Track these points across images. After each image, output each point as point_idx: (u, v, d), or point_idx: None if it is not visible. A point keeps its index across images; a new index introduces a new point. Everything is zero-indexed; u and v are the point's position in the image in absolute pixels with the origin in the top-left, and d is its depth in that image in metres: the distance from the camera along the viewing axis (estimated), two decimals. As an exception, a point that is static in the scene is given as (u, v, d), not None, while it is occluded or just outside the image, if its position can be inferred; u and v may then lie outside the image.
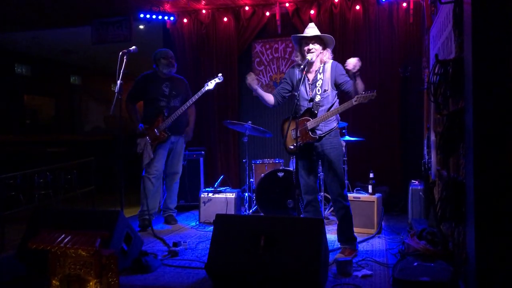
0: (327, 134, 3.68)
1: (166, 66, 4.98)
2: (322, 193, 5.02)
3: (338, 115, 3.76)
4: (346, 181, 5.26)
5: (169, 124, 4.91)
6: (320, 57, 3.73)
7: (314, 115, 3.67)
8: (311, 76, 3.76)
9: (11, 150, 7.93)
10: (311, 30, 3.71)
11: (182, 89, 5.11)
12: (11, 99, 9.08)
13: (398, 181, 5.87)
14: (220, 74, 5.06)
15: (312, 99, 3.68)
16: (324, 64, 3.73)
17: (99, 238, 2.65)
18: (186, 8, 6.61)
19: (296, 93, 3.66)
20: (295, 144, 3.61)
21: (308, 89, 3.73)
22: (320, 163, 3.86)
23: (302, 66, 3.64)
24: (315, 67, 3.75)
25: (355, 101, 3.47)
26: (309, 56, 3.63)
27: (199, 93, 4.94)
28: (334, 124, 3.73)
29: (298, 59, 3.78)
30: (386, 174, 5.81)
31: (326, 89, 3.67)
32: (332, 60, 3.77)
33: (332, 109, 3.67)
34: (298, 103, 3.70)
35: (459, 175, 2.83)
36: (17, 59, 9.32)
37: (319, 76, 3.70)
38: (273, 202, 5.00)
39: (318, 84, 3.68)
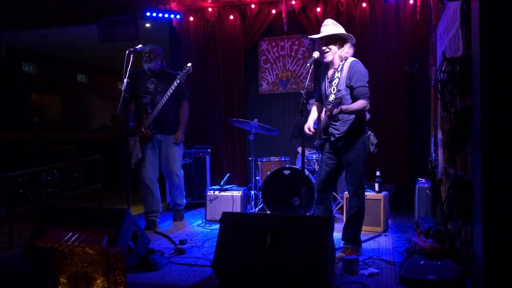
0: (344, 134, 3.59)
1: (144, 63, 4.87)
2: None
3: (367, 112, 3.65)
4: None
5: (151, 121, 4.78)
6: (339, 54, 3.60)
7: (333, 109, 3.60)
8: (330, 73, 3.69)
9: (18, 148, 7.99)
10: (326, 28, 3.59)
11: (170, 85, 4.84)
12: (18, 97, 9.13)
13: (405, 179, 5.84)
14: (189, 64, 4.82)
15: (327, 97, 3.65)
16: (344, 62, 3.61)
17: (106, 236, 2.66)
18: (192, 6, 6.61)
19: (302, 91, 3.61)
20: (317, 141, 3.71)
21: (327, 86, 3.68)
22: (337, 162, 3.79)
23: (308, 64, 3.59)
24: (335, 64, 3.64)
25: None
26: (315, 55, 3.60)
27: (172, 87, 4.72)
28: (354, 124, 3.59)
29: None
30: (393, 172, 5.79)
31: (340, 89, 3.55)
32: (353, 58, 3.63)
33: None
34: (305, 101, 3.69)
35: (466, 173, 2.82)
36: (25, 57, 9.37)
37: (336, 74, 3.61)
38: (279, 200, 5.00)
39: (334, 83, 3.60)
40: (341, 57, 3.62)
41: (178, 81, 4.75)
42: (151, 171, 4.88)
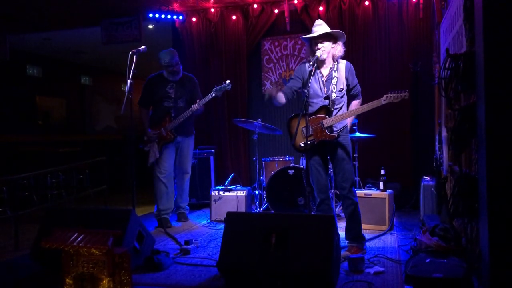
0: (340, 131, 3.67)
1: (170, 74, 4.99)
2: (333, 190, 5.01)
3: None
4: (357, 178, 5.26)
5: (176, 125, 4.94)
6: (332, 52, 3.66)
7: (330, 113, 3.62)
8: (325, 72, 3.70)
9: (24, 150, 8.03)
10: (319, 28, 3.64)
11: (189, 89, 5.08)
12: (23, 100, 9.17)
13: (410, 177, 5.83)
14: (228, 81, 4.97)
15: (328, 97, 3.64)
16: (338, 63, 3.70)
17: (112, 237, 2.67)
18: (195, 7, 6.62)
19: (305, 90, 3.62)
20: (307, 142, 3.59)
21: (322, 85, 3.67)
22: (330, 159, 3.84)
23: (311, 63, 3.60)
24: (328, 63, 3.69)
25: (384, 100, 3.45)
26: (318, 53, 3.60)
27: (206, 99, 4.92)
28: (346, 121, 3.74)
29: (310, 57, 3.71)
30: (398, 171, 5.77)
31: (342, 87, 3.66)
32: (345, 61, 3.74)
33: (345, 109, 3.71)
34: (308, 100, 3.62)
35: (472, 171, 2.81)
36: (29, 60, 9.40)
37: (334, 73, 3.65)
38: (283, 200, 4.99)
39: (334, 82, 3.63)
40: (334, 56, 3.68)
41: (214, 94, 4.92)
42: (168, 169, 5.03)
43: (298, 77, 3.79)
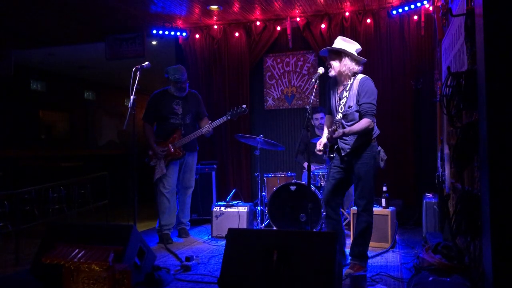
0: (355, 148, 3.56)
1: (178, 90, 5.00)
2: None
3: (376, 127, 3.61)
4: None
5: (185, 142, 4.96)
6: (339, 69, 3.58)
7: (334, 132, 3.58)
8: (339, 90, 3.67)
9: (26, 165, 8.04)
10: (333, 45, 3.63)
11: (194, 105, 5.12)
12: (26, 114, 9.22)
13: (412, 194, 5.81)
14: (244, 106, 5.09)
15: (336, 115, 3.66)
16: (354, 78, 3.60)
17: (112, 253, 2.66)
18: (198, 24, 6.69)
19: (307, 107, 3.63)
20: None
21: (337, 103, 3.66)
22: (346, 176, 3.77)
23: (313, 80, 3.61)
24: (343, 81, 3.63)
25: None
26: (320, 70, 3.62)
27: (220, 120, 5.00)
28: (364, 139, 3.57)
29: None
30: (400, 187, 5.76)
31: (351, 105, 3.55)
32: (363, 75, 3.62)
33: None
34: (311, 116, 3.69)
35: (474, 188, 2.80)
36: (33, 75, 9.49)
37: (344, 94, 3.60)
38: (285, 216, 4.97)
39: (342, 102, 3.59)
40: (345, 72, 3.60)
41: (229, 117, 5.02)
42: (172, 184, 5.04)
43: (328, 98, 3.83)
